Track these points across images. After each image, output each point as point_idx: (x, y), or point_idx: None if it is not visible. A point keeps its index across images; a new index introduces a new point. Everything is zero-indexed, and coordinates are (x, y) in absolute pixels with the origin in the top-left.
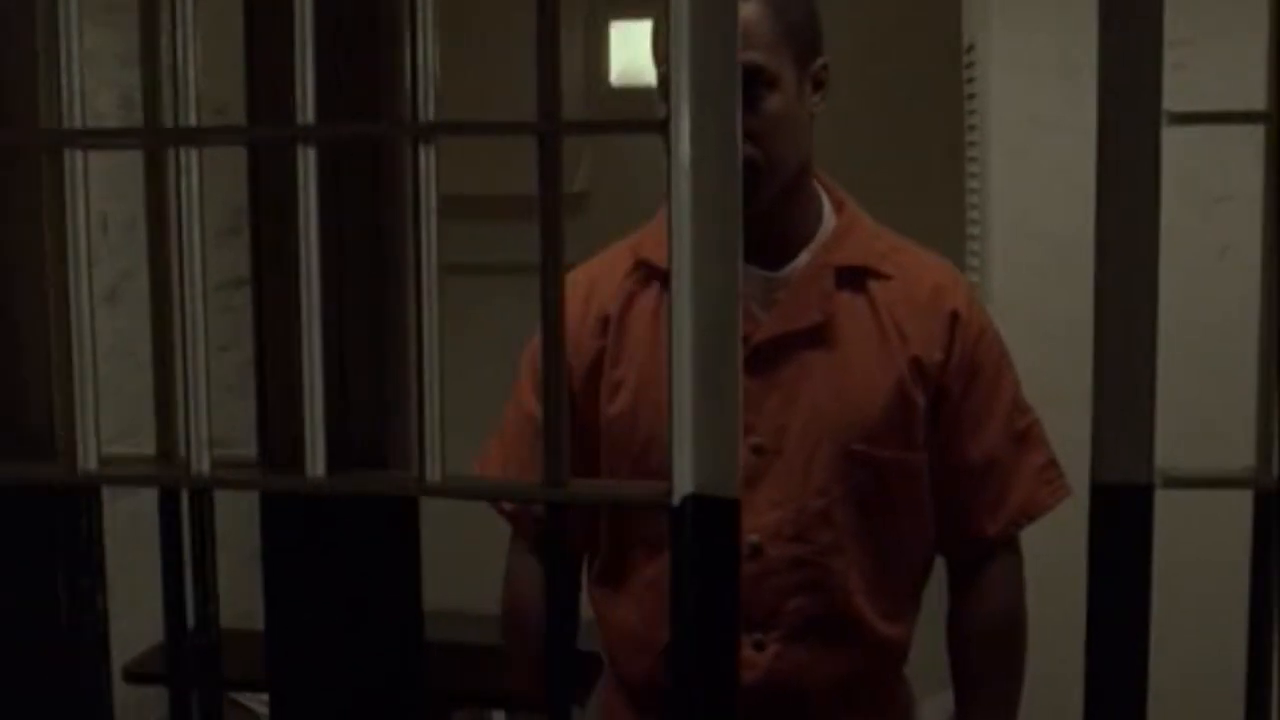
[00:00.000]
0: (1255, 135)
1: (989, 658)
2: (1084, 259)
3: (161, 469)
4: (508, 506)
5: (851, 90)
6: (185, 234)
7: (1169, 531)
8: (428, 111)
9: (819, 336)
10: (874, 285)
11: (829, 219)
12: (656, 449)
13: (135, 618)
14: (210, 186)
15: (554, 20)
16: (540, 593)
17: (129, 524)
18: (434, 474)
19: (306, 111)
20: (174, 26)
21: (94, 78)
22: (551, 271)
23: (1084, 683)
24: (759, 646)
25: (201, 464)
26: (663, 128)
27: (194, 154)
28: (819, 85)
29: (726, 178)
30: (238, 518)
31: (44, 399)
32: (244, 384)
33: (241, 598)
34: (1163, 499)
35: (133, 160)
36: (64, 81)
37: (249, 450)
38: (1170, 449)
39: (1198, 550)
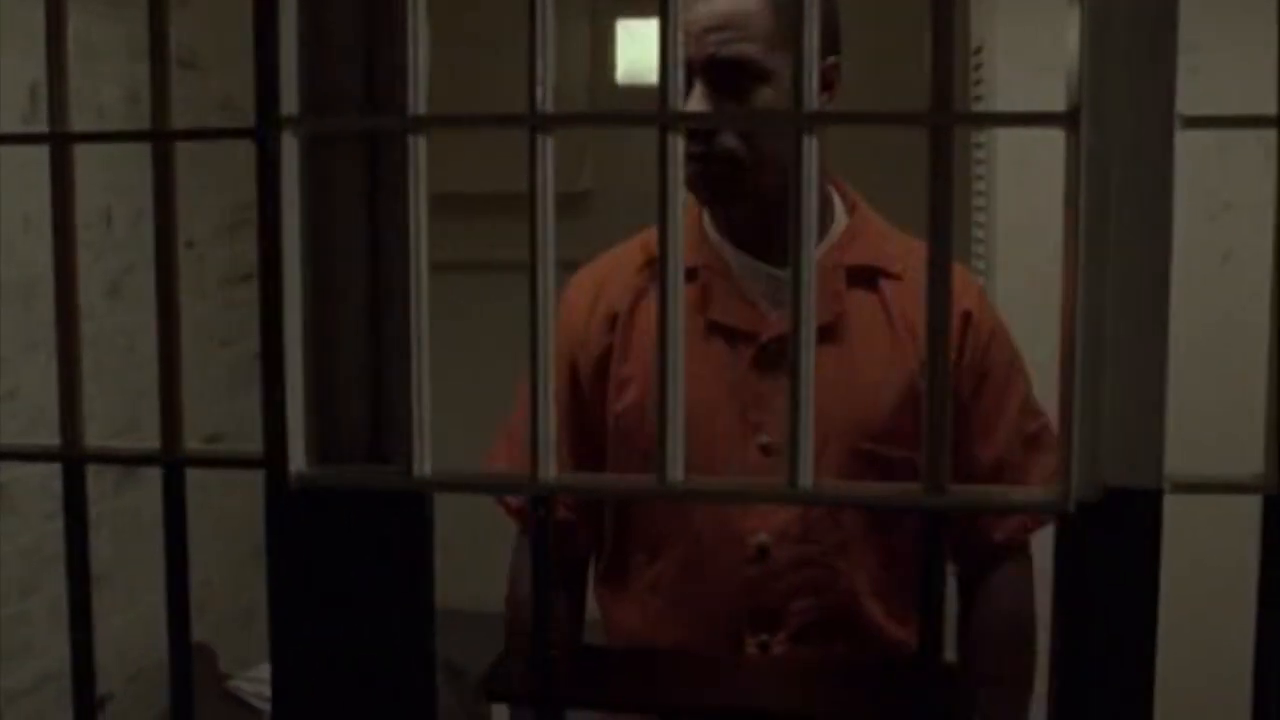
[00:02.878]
0: (1260, 143)
1: (998, 662)
2: None
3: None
4: (514, 504)
5: (859, 91)
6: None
7: (1177, 536)
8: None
9: (829, 335)
10: (886, 285)
11: (841, 219)
12: None
13: (132, 613)
14: (218, 181)
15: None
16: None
17: (130, 519)
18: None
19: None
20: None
21: (101, 72)
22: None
23: None
24: (764, 648)
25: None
26: (1070, 119)
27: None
28: (828, 85)
29: (1161, 170)
30: (241, 511)
31: (375, 406)
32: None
33: (243, 590)
34: (1169, 503)
35: (136, 156)
36: (409, 65)
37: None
38: (1173, 452)
39: (1206, 554)
